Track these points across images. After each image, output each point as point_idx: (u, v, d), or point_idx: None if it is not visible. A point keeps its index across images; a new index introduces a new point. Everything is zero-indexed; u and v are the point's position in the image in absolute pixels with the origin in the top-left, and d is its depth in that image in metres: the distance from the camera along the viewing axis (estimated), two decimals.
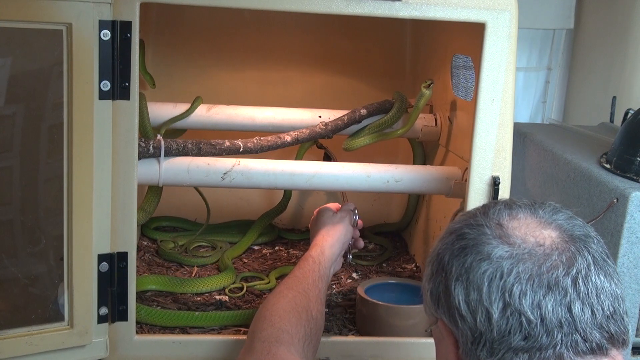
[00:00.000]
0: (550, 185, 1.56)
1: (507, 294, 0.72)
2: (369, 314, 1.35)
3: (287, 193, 1.81)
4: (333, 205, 1.47)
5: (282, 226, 1.89)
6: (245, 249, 1.73)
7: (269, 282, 1.54)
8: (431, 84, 1.47)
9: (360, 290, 1.39)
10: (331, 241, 1.35)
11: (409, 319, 1.33)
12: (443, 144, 1.61)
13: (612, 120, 1.85)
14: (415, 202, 1.82)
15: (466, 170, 1.30)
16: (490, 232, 0.76)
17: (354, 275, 1.63)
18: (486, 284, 0.73)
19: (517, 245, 0.74)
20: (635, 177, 1.33)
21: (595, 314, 0.72)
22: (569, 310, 0.72)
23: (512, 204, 0.80)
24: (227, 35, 1.79)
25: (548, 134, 1.74)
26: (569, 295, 0.72)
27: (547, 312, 0.71)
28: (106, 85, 1.12)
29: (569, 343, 0.71)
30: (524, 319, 0.71)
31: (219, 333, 1.32)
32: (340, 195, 1.79)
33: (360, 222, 1.45)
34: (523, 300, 0.71)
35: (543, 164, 1.61)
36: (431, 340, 0.87)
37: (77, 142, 1.11)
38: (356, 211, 1.44)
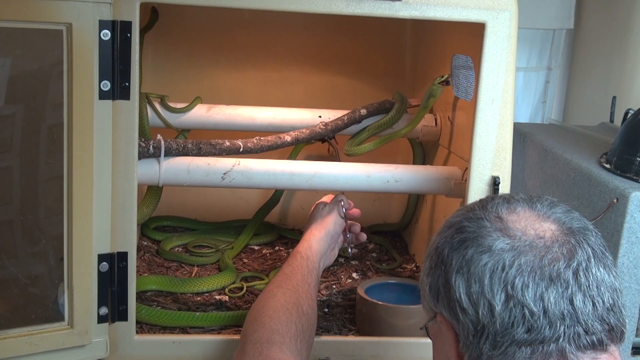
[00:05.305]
0: (550, 185, 1.56)
1: (509, 286, 0.72)
2: (369, 314, 1.35)
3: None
4: (327, 198, 1.44)
5: (283, 226, 1.89)
6: (244, 246, 1.73)
7: (268, 282, 1.54)
8: (447, 78, 1.44)
9: (360, 290, 1.39)
10: (319, 235, 1.33)
11: (409, 319, 1.33)
12: (443, 144, 1.61)
13: (612, 120, 1.85)
14: (415, 202, 1.82)
15: (466, 170, 1.30)
16: (490, 225, 0.76)
17: (354, 275, 1.63)
18: (487, 276, 0.73)
19: (518, 238, 0.74)
20: (635, 177, 1.33)
21: (596, 306, 0.73)
22: (571, 302, 0.72)
23: (510, 198, 0.81)
24: (227, 35, 1.79)
25: (548, 134, 1.74)
26: (570, 287, 0.72)
27: (549, 304, 0.71)
28: (106, 85, 1.12)
29: (571, 336, 0.72)
30: (527, 311, 0.72)
31: (219, 333, 1.32)
32: None
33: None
34: (526, 292, 0.72)
35: (543, 164, 1.61)
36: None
37: (77, 142, 1.11)
38: (342, 202, 1.38)
